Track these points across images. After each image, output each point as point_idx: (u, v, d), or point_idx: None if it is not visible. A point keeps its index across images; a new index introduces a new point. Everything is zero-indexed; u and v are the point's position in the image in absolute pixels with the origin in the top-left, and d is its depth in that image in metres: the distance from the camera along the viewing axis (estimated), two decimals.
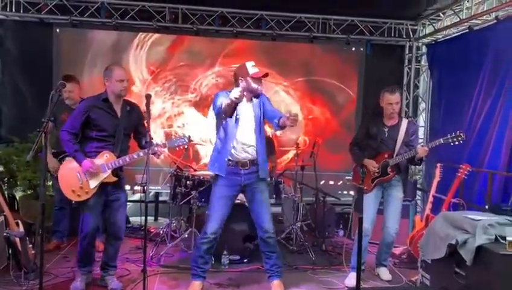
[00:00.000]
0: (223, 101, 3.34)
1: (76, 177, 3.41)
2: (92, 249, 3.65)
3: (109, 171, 3.46)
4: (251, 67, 3.51)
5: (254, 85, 3.49)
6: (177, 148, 3.75)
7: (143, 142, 3.64)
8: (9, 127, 5.78)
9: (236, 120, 3.52)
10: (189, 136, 5.08)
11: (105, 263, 3.72)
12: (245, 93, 3.50)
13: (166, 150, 3.65)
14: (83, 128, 3.46)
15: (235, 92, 3.21)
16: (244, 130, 3.55)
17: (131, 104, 3.67)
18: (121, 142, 3.53)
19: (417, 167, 6.50)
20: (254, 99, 3.61)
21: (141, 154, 3.53)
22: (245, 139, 3.55)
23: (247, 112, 3.58)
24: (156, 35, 6.15)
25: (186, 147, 3.73)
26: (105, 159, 3.45)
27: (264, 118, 3.64)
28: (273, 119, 3.51)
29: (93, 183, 3.43)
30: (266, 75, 3.58)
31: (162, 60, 6.21)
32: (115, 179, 3.50)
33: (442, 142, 3.79)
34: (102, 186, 3.48)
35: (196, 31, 6.09)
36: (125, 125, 3.55)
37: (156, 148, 3.50)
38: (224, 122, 3.54)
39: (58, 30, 5.98)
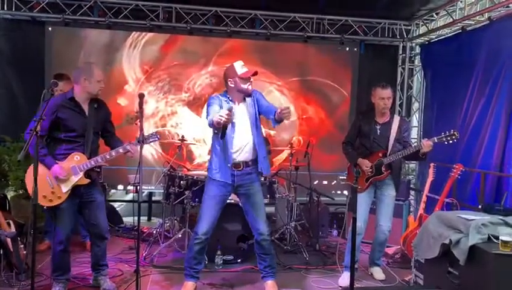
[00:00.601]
0: (213, 117, 3.25)
1: (47, 181, 3.27)
2: (67, 255, 3.52)
3: (81, 174, 3.33)
4: (240, 68, 3.48)
5: (243, 86, 3.48)
6: (151, 144, 3.64)
7: (111, 140, 3.56)
8: (1, 126, 5.72)
9: (233, 124, 3.50)
10: (183, 136, 5.10)
11: (96, 264, 3.66)
12: (236, 93, 3.50)
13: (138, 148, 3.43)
14: (50, 129, 3.32)
15: (222, 115, 3.13)
16: (241, 132, 3.53)
17: (98, 100, 3.52)
18: (91, 142, 3.41)
19: (411, 166, 6.55)
20: (247, 99, 3.60)
21: (113, 153, 3.42)
22: (243, 141, 3.53)
23: (241, 113, 3.56)
24: (150, 34, 6.12)
25: (157, 141, 3.59)
26: (76, 161, 3.33)
27: (260, 114, 3.62)
28: (269, 115, 3.48)
29: (66, 188, 3.31)
30: (255, 73, 3.52)
31: (155, 59, 6.18)
32: (87, 181, 3.38)
33: (436, 141, 3.79)
34: (75, 188, 3.36)
35: (190, 30, 6.07)
36: (94, 124, 3.43)
37: (127, 147, 3.38)
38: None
39: (50, 29, 5.93)
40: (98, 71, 3.43)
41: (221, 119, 3.13)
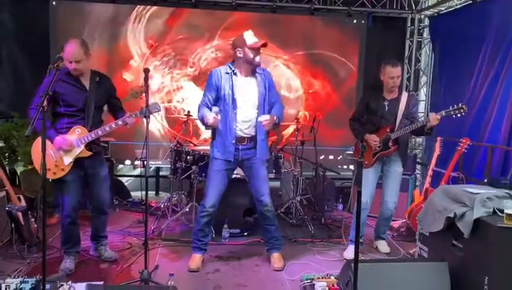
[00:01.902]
0: (204, 118, 3.43)
1: (50, 155, 3.31)
2: (76, 228, 3.59)
3: (82, 146, 3.37)
4: (250, 37, 3.44)
5: (252, 56, 3.44)
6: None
7: (119, 114, 3.56)
8: (8, 102, 5.75)
9: (234, 101, 3.49)
10: (189, 111, 5.10)
11: (95, 235, 3.76)
12: (243, 64, 3.48)
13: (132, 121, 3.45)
14: (51, 104, 3.33)
15: (210, 118, 3.35)
16: (244, 108, 3.52)
17: (100, 74, 3.53)
18: (92, 116, 3.41)
19: (417, 140, 6.52)
20: (258, 74, 3.56)
21: (113, 125, 3.42)
22: (247, 116, 3.53)
23: (248, 87, 3.54)
24: (154, 7, 6.04)
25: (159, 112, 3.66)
26: (77, 134, 3.36)
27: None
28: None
29: (68, 160, 3.35)
30: (265, 45, 3.50)
31: (160, 34, 6.12)
32: (89, 153, 3.42)
33: (444, 114, 3.74)
34: (79, 161, 3.41)
35: (194, 3, 5.98)
36: (95, 98, 3.43)
37: (127, 119, 3.40)
38: (222, 106, 3.51)
39: (54, 3, 5.87)
40: (69, 49, 3.28)
41: (209, 123, 3.39)
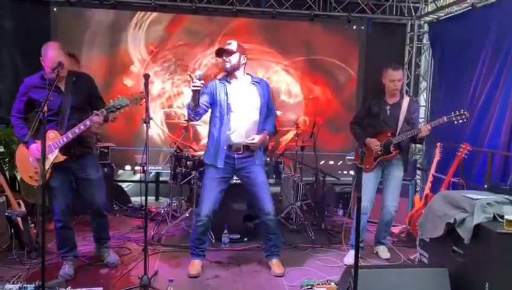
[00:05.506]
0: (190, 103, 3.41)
1: (29, 162, 3.29)
2: (70, 231, 3.57)
3: (57, 151, 3.27)
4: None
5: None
6: (119, 112, 3.30)
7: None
8: (9, 108, 5.69)
9: (228, 106, 3.50)
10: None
11: (97, 237, 3.76)
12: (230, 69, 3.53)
13: (101, 118, 3.26)
14: (29, 110, 3.29)
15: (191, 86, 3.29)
16: (240, 116, 3.53)
17: (77, 73, 3.42)
18: (67, 119, 3.27)
19: (417, 146, 6.51)
20: (257, 83, 3.58)
21: (82, 127, 3.24)
22: (241, 126, 3.54)
23: (244, 96, 3.55)
24: (154, 14, 6.07)
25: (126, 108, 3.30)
26: (50, 139, 3.24)
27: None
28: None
29: (45, 166, 3.20)
30: (221, 50, 3.51)
31: (160, 40, 6.14)
32: (63, 157, 3.28)
33: (445, 120, 3.75)
34: (62, 165, 3.32)
35: (195, 10, 6.00)
36: (72, 100, 3.31)
37: (94, 118, 3.22)
38: (217, 112, 3.52)
39: (55, 9, 5.90)
40: (51, 54, 3.25)
41: (192, 89, 3.25)
